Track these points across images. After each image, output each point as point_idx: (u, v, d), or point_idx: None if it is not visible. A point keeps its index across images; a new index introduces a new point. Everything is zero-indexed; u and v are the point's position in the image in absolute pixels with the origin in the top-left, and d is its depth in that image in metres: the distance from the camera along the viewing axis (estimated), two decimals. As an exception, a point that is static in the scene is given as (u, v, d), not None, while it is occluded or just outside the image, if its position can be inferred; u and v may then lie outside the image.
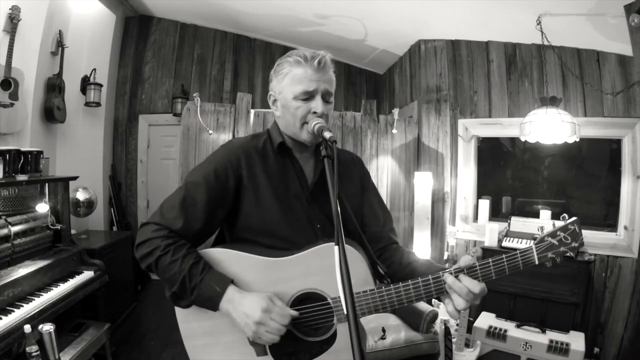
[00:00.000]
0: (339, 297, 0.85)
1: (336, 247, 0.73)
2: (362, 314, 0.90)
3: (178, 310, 0.98)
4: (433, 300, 2.80)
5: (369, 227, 1.11)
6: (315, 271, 0.93)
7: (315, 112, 0.97)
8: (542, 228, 2.68)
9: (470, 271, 0.88)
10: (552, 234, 0.86)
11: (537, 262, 0.86)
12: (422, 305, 2.47)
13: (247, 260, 0.95)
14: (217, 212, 0.98)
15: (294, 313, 0.91)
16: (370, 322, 2.32)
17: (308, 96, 0.97)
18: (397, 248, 1.11)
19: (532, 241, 0.87)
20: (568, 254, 0.86)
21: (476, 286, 0.85)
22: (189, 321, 0.97)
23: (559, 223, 0.87)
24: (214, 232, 1.05)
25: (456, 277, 0.87)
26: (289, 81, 0.98)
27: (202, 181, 0.97)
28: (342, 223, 0.80)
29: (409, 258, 1.06)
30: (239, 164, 1.00)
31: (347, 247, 0.90)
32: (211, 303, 0.90)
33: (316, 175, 1.05)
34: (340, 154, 1.13)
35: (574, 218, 0.88)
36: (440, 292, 0.89)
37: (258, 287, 0.93)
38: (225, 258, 0.95)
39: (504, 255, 0.87)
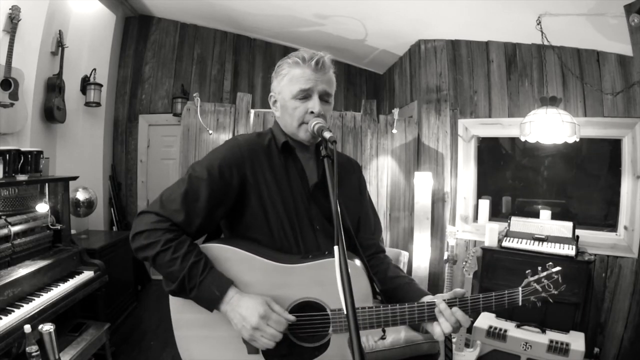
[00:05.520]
0: (339, 310, 0.91)
1: (336, 247, 0.73)
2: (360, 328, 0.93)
3: (172, 300, 0.97)
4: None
5: (360, 233, 1.13)
6: (320, 282, 0.93)
7: (312, 112, 0.98)
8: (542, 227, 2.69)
9: (461, 302, 0.92)
10: (538, 280, 0.94)
11: (520, 304, 0.94)
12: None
13: (253, 262, 0.95)
14: (218, 209, 0.98)
15: (292, 318, 0.91)
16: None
17: (305, 95, 0.98)
18: (385, 258, 1.14)
19: (527, 278, 0.96)
20: (549, 300, 0.94)
21: (466, 321, 0.90)
22: (184, 312, 0.96)
23: (543, 272, 0.97)
24: (213, 228, 1.06)
25: (449, 306, 0.91)
26: (287, 81, 1.00)
27: (206, 176, 0.95)
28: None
29: (394, 272, 1.10)
30: (243, 162, 0.99)
31: (351, 262, 0.94)
32: (208, 305, 0.90)
33: (318, 176, 1.06)
34: (340, 157, 1.16)
35: (558, 268, 0.95)
36: (432, 318, 0.92)
37: (259, 289, 0.93)
38: (230, 257, 0.95)
39: (493, 294, 0.93)
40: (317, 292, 0.95)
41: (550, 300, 0.93)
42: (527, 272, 0.95)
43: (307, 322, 0.95)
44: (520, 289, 0.93)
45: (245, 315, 0.87)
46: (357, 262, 0.98)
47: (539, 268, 0.95)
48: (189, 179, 0.96)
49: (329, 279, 0.88)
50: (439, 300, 0.92)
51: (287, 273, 0.95)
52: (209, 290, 0.89)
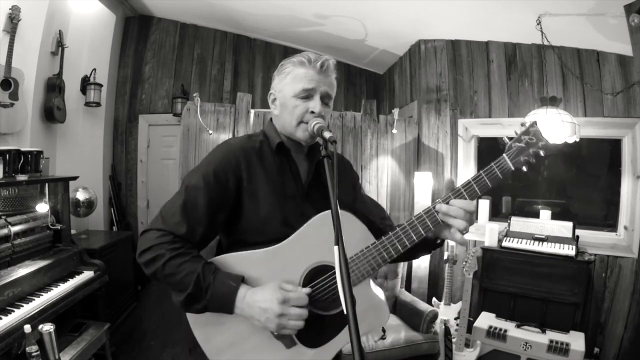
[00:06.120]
0: (350, 259, 0.91)
1: (336, 247, 0.73)
2: (372, 269, 0.94)
3: (197, 331, 0.97)
4: (433, 300, 2.80)
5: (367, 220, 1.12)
6: (317, 243, 0.93)
7: (312, 112, 0.98)
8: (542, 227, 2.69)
9: (456, 194, 0.94)
10: (517, 139, 0.91)
11: (512, 168, 0.92)
12: (422, 305, 2.47)
13: (249, 257, 0.95)
14: (218, 215, 0.98)
15: (307, 290, 0.92)
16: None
17: (307, 94, 0.99)
18: (392, 226, 1.13)
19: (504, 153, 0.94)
20: (541, 153, 0.90)
21: (469, 204, 0.93)
22: (211, 339, 0.96)
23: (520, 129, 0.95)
24: (216, 236, 1.05)
25: (447, 203, 0.93)
26: (290, 80, 1.00)
27: (202, 184, 0.95)
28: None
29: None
30: (238, 165, 0.99)
31: (343, 212, 0.92)
32: (227, 301, 0.89)
33: (310, 175, 1.07)
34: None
35: (533, 120, 0.93)
36: (436, 224, 0.94)
37: (267, 278, 0.93)
38: (228, 262, 0.96)
39: (481, 171, 0.94)
40: (319, 255, 0.94)
41: (542, 153, 0.91)
42: (504, 137, 0.93)
43: (324, 287, 0.95)
44: (504, 155, 0.93)
45: (265, 307, 0.87)
46: (344, 211, 0.96)
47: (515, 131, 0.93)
48: (186, 190, 0.96)
49: (324, 237, 0.87)
50: (437, 205, 0.94)
51: (282, 251, 0.95)
52: (225, 282, 0.89)
